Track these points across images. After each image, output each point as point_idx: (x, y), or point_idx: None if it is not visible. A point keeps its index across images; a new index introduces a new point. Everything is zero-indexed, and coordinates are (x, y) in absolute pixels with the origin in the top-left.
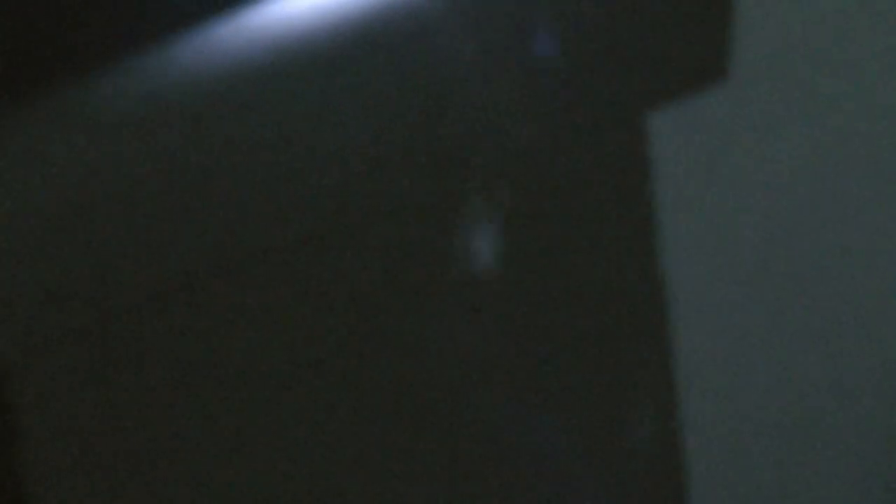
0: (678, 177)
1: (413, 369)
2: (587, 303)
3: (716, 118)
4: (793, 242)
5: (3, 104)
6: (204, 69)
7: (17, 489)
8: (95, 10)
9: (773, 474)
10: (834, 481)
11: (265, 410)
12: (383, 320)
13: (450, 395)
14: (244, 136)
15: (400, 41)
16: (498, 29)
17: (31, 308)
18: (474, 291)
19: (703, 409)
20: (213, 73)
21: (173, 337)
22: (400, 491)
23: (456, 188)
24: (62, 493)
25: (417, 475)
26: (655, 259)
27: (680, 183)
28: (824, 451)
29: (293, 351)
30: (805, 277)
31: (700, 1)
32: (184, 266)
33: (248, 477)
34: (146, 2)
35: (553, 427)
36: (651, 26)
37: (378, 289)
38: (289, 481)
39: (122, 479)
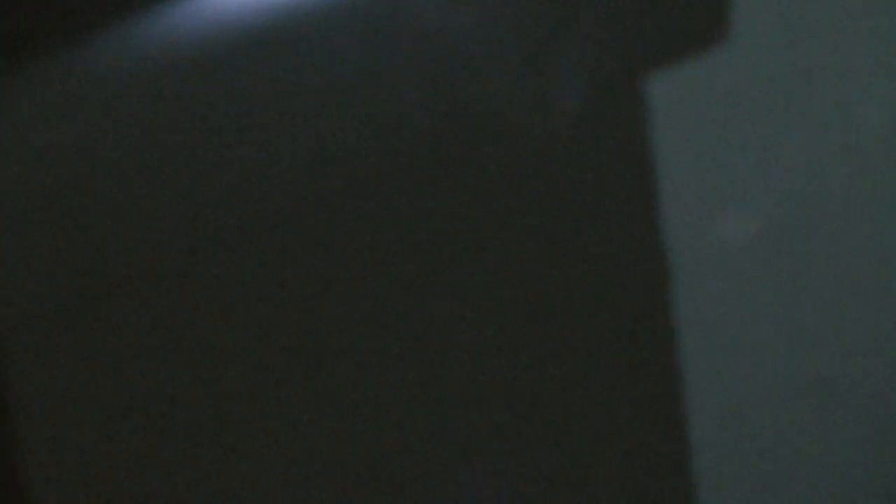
0: (679, 140)
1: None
2: (586, 272)
3: (717, 81)
4: (797, 208)
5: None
6: (200, 34)
7: (11, 465)
8: None
9: (784, 467)
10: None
11: (264, 390)
12: (389, 302)
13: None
14: (239, 104)
15: (398, 9)
16: None
17: (21, 285)
18: (479, 271)
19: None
20: (209, 39)
21: (166, 315)
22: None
23: (460, 155)
24: (56, 468)
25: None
26: (657, 226)
27: (681, 146)
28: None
29: (290, 326)
30: (811, 244)
31: None
32: (177, 243)
33: (245, 459)
34: None
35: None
36: None
37: (382, 271)
38: (292, 452)
39: (115, 456)
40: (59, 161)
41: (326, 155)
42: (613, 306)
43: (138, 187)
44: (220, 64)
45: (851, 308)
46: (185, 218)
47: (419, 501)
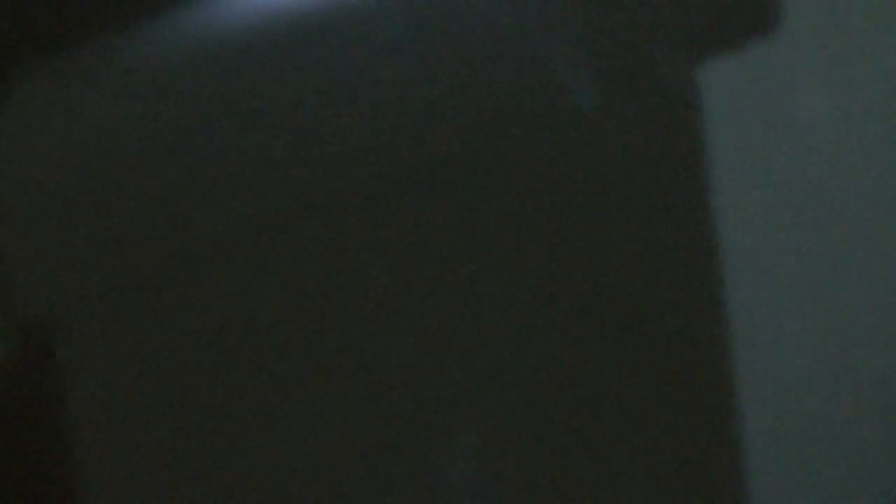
0: (731, 127)
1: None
2: (638, 255)
3: (768, 68)
4: (847, 193)
5: (32, 64)
6: (243, 20)
7: (63, 439)
8: None
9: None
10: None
11: (310, 367)
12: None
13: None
14: (280, 89)
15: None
16: None
17: (75, 262)
18: (518, 252)
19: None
20: (241, 31)
21: (214, 292)
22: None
23: (504, 147)
24: (106, 443)
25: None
26: (709, 213)
27: (732, 133)
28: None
29: (339, 303)
30: (861, 227)
31: None
32: (225, 221)
33: (289, 435)
34: None
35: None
36: None
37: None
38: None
39: (162, 431)
40: (94, 153)
41: (358, 149)
42: (663, 298)
43: (167, 179)
44: (251, 59)
45: None
46: (210, 210)
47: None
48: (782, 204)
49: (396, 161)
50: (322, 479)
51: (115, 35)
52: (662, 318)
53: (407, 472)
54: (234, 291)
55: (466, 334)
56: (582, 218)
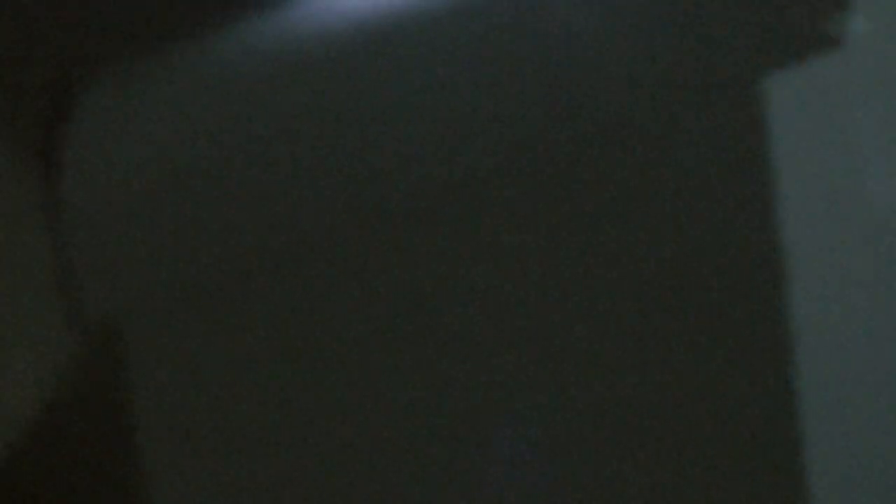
0: (794, 142)
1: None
2: (702, 266)
3: (831, 84)
4: None
5: (104, 73)
6: (309, 34)
7: (128, 440)
8: None
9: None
10: None
11: (372, 387)
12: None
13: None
14: (356, 100)
15: (511, 9)
16: None
17: (140, 268)
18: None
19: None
20: (330, 35)
21: (279, 299)
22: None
23: (582, 155)
24: (170, 445)
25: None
26: (772, 226)
27: (796, 148)
28: None
29: (408, 320)
30: None
31: None
32: (292, 231)
33: (353, 447)
34: None
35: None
36: None
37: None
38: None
39: (226, 434)
40: (163, 157)
41: (446, 152)
42: (730, 305)
43: (256, 172)
44: (341, 59)
45: None
46: (293, 215)
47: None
48: (844, 218)
49: (463, 167)
50: (379, 478)
51: (192, 38)
52: (726, 327)
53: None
54: (301, 296)
55: (535, 338)
56: (647, 227)
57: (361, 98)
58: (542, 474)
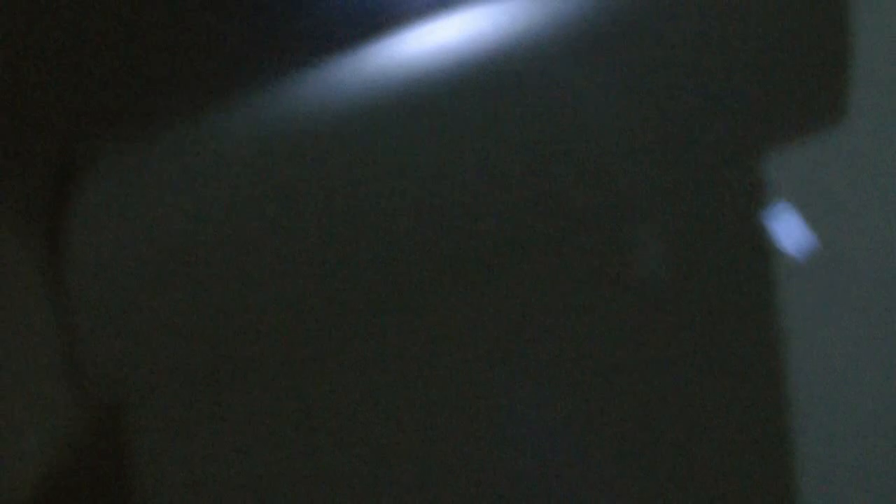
0: (797, 216)
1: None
2: (703, 345)
3: (833, 161)
4: None
5: (122, 138)
6: (342, 100)
7: None
8: (216, 45)
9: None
10: None
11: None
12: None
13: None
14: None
15: (524, 83)
16: (619, 70)
17: (150, 346)
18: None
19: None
20: (346, 106)
21: (283, 380)
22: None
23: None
24: None
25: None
26: (773, 301)
27: (796, 223)
28: None
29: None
30: None
31: (818, 45)
32: (296, 308)
33: None
34: (265, 38)
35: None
36: (769, 69)
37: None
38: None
39: None
40: (174, 235)
41: (448, 228)
42: (729, 371)
43: (269, 252)
44: (331, 140)
45: None
46: (295, 297)
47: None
48: (847, 293)
49: (467, 242)
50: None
51: (196, 116)
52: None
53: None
54: (302, 381)
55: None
56: (646, 301)
57: (362, 176)
58: None
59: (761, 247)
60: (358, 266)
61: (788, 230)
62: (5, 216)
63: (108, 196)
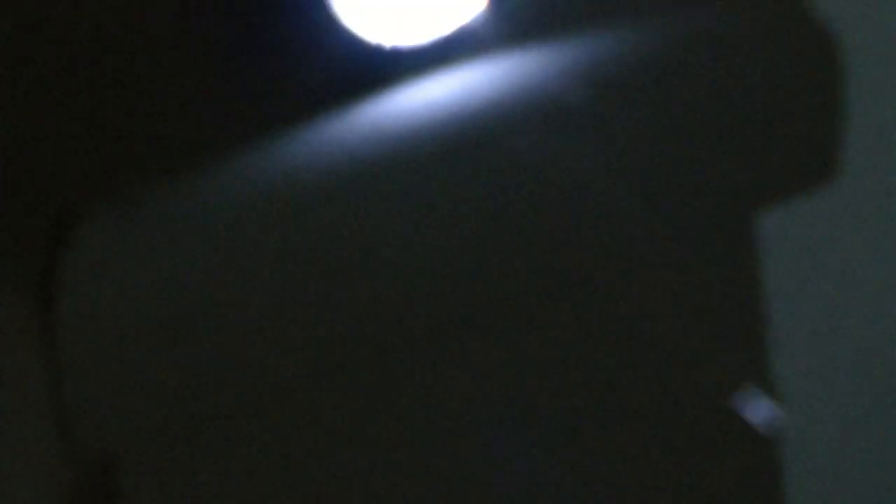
0: (788, 275)
1: None
2: (698, 409)
3: (824, 218)
4: None
5: (115, 196)
6: (331, 158)
7: None
8: (208, 104)
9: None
10: None
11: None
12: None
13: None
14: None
15: (509, 141)
16: (608, 125)
17: (135, 403)
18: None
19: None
20: (340, 162)
21: (272, 437)
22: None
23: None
24: None
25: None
26: (766, 357)
27: (789, 282)
28: None
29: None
30: None
31: (809, 103)
32: (285, 368)
33: None
34: (257, 95)
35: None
36: (760, 126)
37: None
38: None
39: None
40: (168, 289)
41: (440, 288)
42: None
43: (251, 316)
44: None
45: None
46: (287, 353)
47: None
48: (840, 351)
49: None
50: None
51: (193, 170)
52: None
53: None
54: (298, 437)
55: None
56: (639, 360)
57: (356, 236)
58: None
59: (755, 305)
60: (347, 324)
61: (759, 410)
62: None
63: (102, 247)
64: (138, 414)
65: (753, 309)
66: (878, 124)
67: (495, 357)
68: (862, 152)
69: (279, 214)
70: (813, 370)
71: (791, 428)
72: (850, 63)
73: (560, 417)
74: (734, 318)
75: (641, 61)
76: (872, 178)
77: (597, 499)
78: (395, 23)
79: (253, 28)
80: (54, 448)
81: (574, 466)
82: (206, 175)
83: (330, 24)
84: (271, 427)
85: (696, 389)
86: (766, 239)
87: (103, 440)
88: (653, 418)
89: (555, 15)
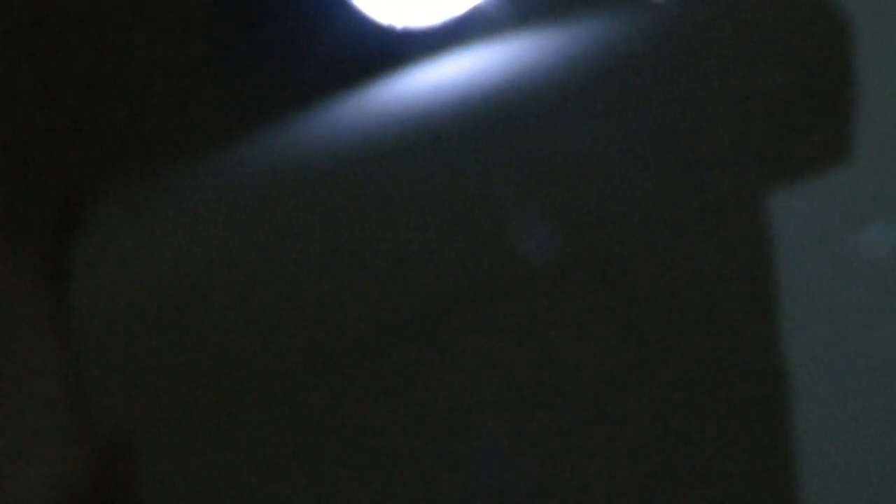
0: (799, 258)
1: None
2: (706, 391)
3: (837, 199)
4: None
5: (125, 180)
6: (340, 142)
7: None
8: (217, 86)
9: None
10: None
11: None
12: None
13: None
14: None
15: (520, 122)
16: (620, 106)
17: (150, 381)
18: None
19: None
20: (344, 146)
21: (290, 414)
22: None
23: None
24: None
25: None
26: (776, 341)
27: (801, 264)
28: None
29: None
30: None
31: (823, 81)
32: (304, 348)
33: None
34: (267, 78)
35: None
36: (773, 106)
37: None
38: None
39: None
40: (179, 270)
41: (439, 274)
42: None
43: (271, 288)
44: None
45: None
46: (300, 331)
47: None
48: (850, 336)
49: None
50: None
51: (201, 154)
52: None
53: None
54: (310, 417)
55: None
56: (646, 346)
57: (368, 220)
58: None
59: (766, 288)
60: (360, 302)
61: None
62: (10, 258)
63: (113, 229)
64: (153, 394)
65: (765, 296)
66: (892, 105)
67: (501, 349)
68: (875, 134)
69: (290, 196)
70: (827, 361)
71: (805, 422)
72: (863, 43)
73: (563, 413)
74: (745, 307)
75: (655, 42)
76: (886, 160)
77: (597, 499)
78: (406, 4)
79: (264, 10)
80: (71, 426)
81: (575, 466)
82: (215, 158)
83: (341, 6)
84: (288, 407)
85: (706, 381)
86: (777, 223)
87: (118, 421)
88: (660, 412)
89: None
